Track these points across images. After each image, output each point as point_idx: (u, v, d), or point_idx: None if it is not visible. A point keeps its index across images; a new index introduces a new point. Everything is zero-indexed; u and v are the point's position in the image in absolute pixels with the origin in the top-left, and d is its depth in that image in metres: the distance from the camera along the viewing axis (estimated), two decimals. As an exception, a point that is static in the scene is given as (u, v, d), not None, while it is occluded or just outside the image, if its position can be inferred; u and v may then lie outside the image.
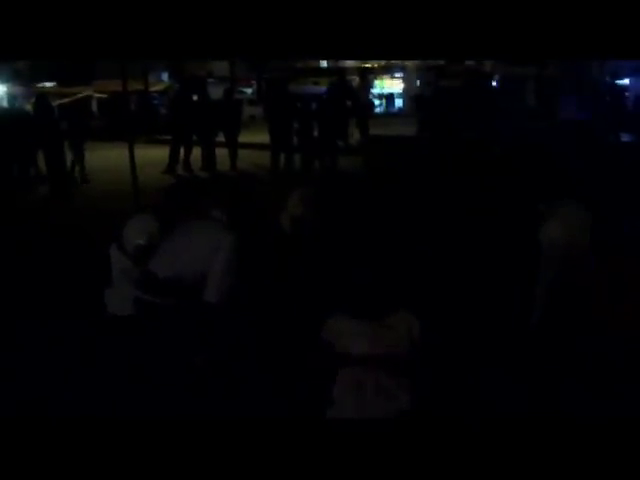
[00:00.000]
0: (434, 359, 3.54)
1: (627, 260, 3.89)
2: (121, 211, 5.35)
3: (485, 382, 4.12)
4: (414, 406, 3.11)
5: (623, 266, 3.88)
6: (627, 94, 19.86)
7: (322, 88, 17.06)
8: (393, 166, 11.50)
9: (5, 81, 24.63)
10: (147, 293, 3.88)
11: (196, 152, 13.95)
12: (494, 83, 23.94)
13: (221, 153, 14.02)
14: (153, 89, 25.42)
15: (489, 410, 3.75)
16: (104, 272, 4.20)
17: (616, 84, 20.80)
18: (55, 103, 15.30)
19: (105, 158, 14.39)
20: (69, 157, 12.85)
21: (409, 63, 29.16)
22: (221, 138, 14.27)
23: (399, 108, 30.12)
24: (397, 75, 30.91)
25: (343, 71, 18.66)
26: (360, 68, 28.04)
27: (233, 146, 14.22)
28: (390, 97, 31.25)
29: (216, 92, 17.35)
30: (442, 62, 25.66)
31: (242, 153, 14.49)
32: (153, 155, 14.20)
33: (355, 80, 22.35)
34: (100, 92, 22.85)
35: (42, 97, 13.49)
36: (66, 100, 18.26)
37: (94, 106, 21.90)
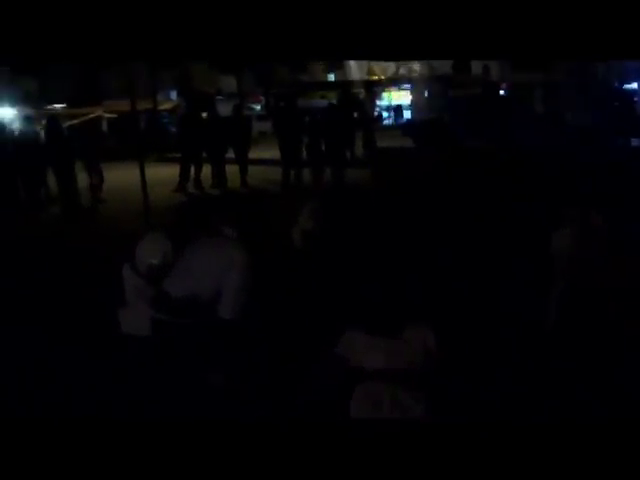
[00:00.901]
0: (449, 370, 3.53)
1: (635, 263, 3.89)
2: (133, 230, 5.37)
3: (499, 390, 4.10)
4: (429, 415, 3.10)
5: (636, 268, 3.87)
6: (636, 99, 19.81)
7: (330, 102, 17.10)
8: (401, 178, 11.52)
9: (15, 104, 24.87)
10: (162, 312, 3.89)
11: (206, 170, 14.01)
12: (502, 91, 23.97)
13: (231, 170, 14.08)
14: (162, 107, 25.61)
15: (503, 418, 3.73)
16: (118, 292, 4.22)
17: (624, 89, 20.76)
18: (65, 124, 15.43)
19: (116, 177, 14.48)
20: (81, 177, 12.92)
21: (415, 74, 29.25)
22: (231, 155, 14.33)
23: (407, 120, 30.16)
24: (405, 87, 30.96)
25: (350, 85, 18.74)
26: (367, 81, 28.18)
27: (243, 162, 14.26)
28: (398, 109, 31.31)
29: (225, 109, 17.44)
30: (448, 72, 25.75)
31: (252, 169, 14.54)
32: (163, 174, 14.27)
33: (362, 93, 22.43)
34: (110, 112, 23.03)
35: (52, 119, 13.61)
36: (76, 121, 18.40)
37: (104, 126, 22.05)
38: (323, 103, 19.98)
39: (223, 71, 32.00)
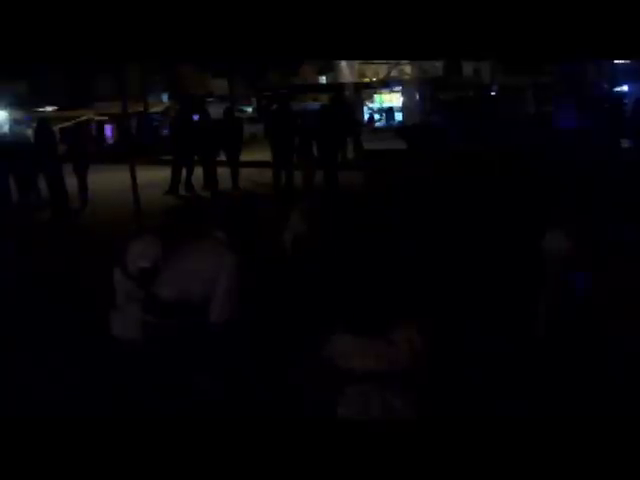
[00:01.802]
0: (440, 372, 3.54)
1: (628, 264, 3.90)
2: (123, 233, 5.36)
3: (490, 390, 4.12)
4: (419, 417, 3.11)
5: (624, 271, 3.88)
6: (626, 101, 19.88)
7: (323, 104, 17.09)
8: (392, 180, 11.53)
9: (5, 107, 24.77)
10: (152, 315, 3.89)
11: (197, 172, 13.98)
12: (492, 93, 24.03)
13: (222, 172, 14.06)
14: (153, 110, 25.56)
15: (494, 416, 3.74)
16: (108, 295, 4.21)
17: (614, 91, 20.84)
18: (56, 127, 15.38)
19: (106, 180, 14.44)
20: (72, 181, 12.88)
21: (407, 77, 29.28)
22: (222, 157, 14.31)
23: (399, 122, 30.20)
24: (396, 89, 30.99)
25: (342, 87, 18.74)
26: (357, 83, 28.19)
27: (234, 165, 14.25)
28: (390, 111, 31.35)
29: (216, 111, 17.42)
30: (439, 74, 25.80)
31: (243, 171, 14.52)
32: (154, 176, 14.24)
33: (351, 96, 22.43)
34: (100, 115, 22.99)
35: (42, 122, 13.56)
36: (67, 124, 18.36)
37: (94, 129, 22.01)
38: (315, 106, 20.00)
39: (215, 74, 31.96)
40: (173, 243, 4.26)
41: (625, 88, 21.56)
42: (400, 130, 20.87)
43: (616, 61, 18.06)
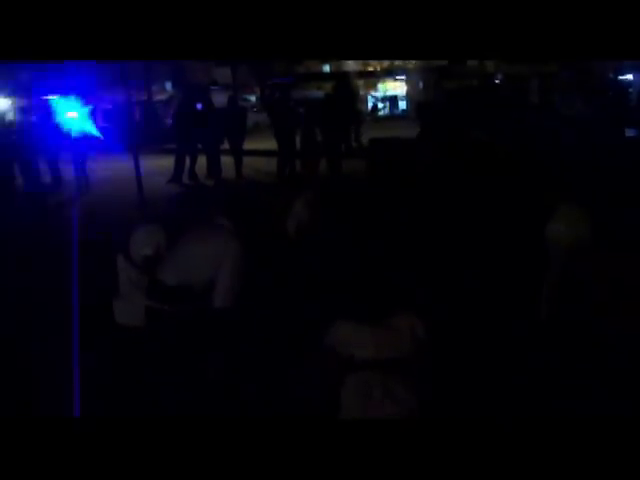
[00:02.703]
0: (440, 359, 3.55)
1: (628, 256, 3.90)
2: (127, 221, 5.37)
3: (491, 380, 4.12)
4: (422, 407, 3.12)
5: (624, 262, 3.88)
6: (630, 90, 19.80)
7: (326, 93, 17.02)
8: (396, 169, 11.50)
9: (9, 94, 24.71)
10: (156, 301, 3.91)
11: (201, 160, 13.97)
12: (497, 81, 23.94)
13: (226, 161, 14.04)
14: (157, 98, 25.49)
15: (495, 410, 3.76)
16: (111, 282, 4.22)
17: (619, 80, 20.76)
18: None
19: (110, 168, 14.44)
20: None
21: (411, 65, 29.18)
22: (226, 146, 14.30)
23: (402, 110, 30.12)
24: (400, 77, 30.90)
25: (346, 76, 18.68)
26: (360, 72, 28.08)
27: (238, 153, 14.24)
28: (393, 99, 31.27)
29: (220, 100, 17.38)
30: (444, 63, 25.68)
31: (247, 160, 14.51)
32: (158, 164, 14.23)
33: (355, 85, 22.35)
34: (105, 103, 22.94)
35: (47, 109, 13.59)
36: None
37: (99, 117, 21.97)
38: (319, 94, 19.92)
39: (218, 62, 31.87)
40: (176, 230, 4.27)
41: (630, 77, 21.48)
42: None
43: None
